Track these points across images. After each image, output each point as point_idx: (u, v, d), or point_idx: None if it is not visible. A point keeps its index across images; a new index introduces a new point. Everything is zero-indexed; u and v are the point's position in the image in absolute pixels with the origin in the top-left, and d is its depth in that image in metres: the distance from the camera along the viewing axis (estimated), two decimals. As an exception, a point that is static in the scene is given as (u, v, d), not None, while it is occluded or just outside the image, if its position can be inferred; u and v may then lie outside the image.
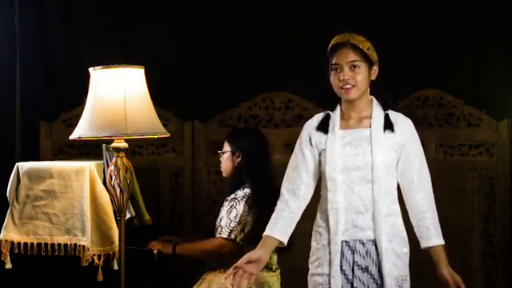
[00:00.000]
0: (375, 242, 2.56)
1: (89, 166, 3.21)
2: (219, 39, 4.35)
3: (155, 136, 3.02)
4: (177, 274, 4.01)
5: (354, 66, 2.56)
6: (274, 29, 4.34)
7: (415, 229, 2.61)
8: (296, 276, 3.48)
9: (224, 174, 3.34)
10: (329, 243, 2.59)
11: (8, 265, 3.22)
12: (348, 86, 2.55)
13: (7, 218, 3.26)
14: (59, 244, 3.19)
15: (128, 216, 3.29)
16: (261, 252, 2.57)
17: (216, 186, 4.23)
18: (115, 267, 3.16)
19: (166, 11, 4.45)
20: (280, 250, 3.15)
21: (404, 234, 2.62)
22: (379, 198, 2.54)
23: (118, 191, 3.03)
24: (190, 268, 3.97)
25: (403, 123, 2.62)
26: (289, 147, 4.13)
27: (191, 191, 4.29)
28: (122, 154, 3.00)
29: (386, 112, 2.61)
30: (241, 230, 3.11)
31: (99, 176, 3.23)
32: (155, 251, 3.23)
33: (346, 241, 2.58)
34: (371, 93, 2.66)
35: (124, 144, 2.99)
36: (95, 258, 3.15)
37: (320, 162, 2.64)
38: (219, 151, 3.34)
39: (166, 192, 4.31)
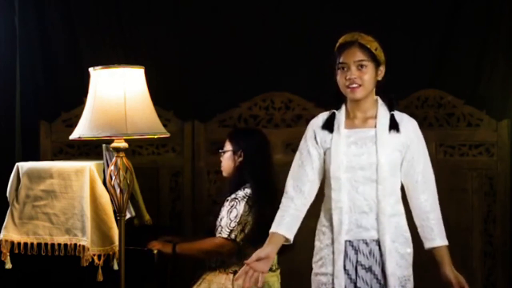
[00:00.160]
0: (378, 242, 2.56)
1: (89, 166, 3.21)
2: (219, 39, 4.35)
3: (155, 136, 3.02)
4: (177, 274, 4.01)
5: (361, 66, 2.56)
6: (274, 29, 4.34)
7: (419, 230, 2.61)
8: (296, 276, 3.49)
9: (224, 174, 3.33)
10: (332, 243, 2.58)
11: (8, 265, 3.22)
12: (354, 85, 2.55)
13: (7, 218, 3.26)
14: (59, 244, 3.19)
15: (128, 216, 3.29)
16: (269, 249, 2.55)
17: (216, 186, 4.23)
18: (115, 267, 3.16)
19: (166, 11, 4.45)
20: (280, 250, 3.15)
21: (407, 234, 2.62)
22: (383, 198, 2.54)
23: (118, 191, 3.03)
24: (190, 268, 3.97)
25: (408, 124, 2.62)
26: (289, 147, 4.13)
27: (191, 191, 4.28)
28: (122, 154, 3.00)
29: (392, 112, 2.61)
30: (241, 230, 3.11)
31: (99, 176, 3.23)
32: (155, 251, 3.23)
33: (349, 241, 2.58)
34: (376, 93, 2.66)
35: (124, 144, 2.99)
36: (95, 258, 3.15)
37: (324, 161, 2.64)
38: (220, 150, 3.34)
39: (166, 192, 4.31)
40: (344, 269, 2.56)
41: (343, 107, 2.66)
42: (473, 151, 4.18)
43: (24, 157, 4.28)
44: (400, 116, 2.62)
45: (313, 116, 2.78)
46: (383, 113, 2.61)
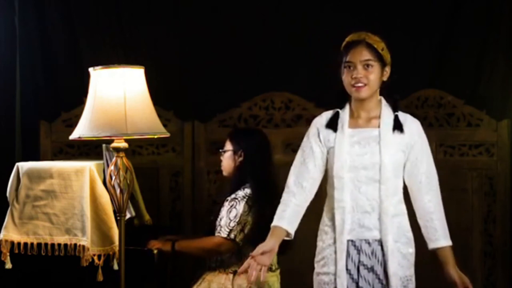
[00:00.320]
0: (381, 242, 2.56)
1: (89, 166, 3.21)
2: (219, 39, 4.35)
3: (155, 136, 3.02)
4: (177, 274, 4.01)
5: (368, 65, 2.56)
6: (274, 29, 4.34)
7: (423, 230, 2.61)
8: (296, 276, 3.49)
9: (224, 173, 3.34)
10: (334, 242, 2.59)
11: (8, 265, 3.22)
12: (360, 84, 2.56)
13: (7, 218, 3.26)
14: (59, 244, 3.18)
15: (128, 216, 3.29)
16: (273, 243, 2.55)
17: (216, 186, 4.23)
18: (115, 267, 3.16)
19: (166, 11, 4.45)
20: (280, 249, 3.15)
21: (410, 234, 2.62)
22: (386, 198, 2.54)
23: (118, 191, 3.03)
24: (190, 268, 3.98)
25: (412, 124, 2.63)
26: (289, 147, 4.13)
27: (191, 191, 4.28)
28: (122, 154, 3.00)
29: (396, 113, 2.61)
30: (240, 230, 3.11)
31: (99, 176, 3.23)
32: (155, 251, 3.23)
33: (352, 241, 2.58)
34: (380, 94, 2.66)
35: (124, 144, 2.99)
36: (95, 258, 3.15)
37: (327, 160, 2.64)
38: (220, 150, 3.34)
39: (166, 192, 4.31)
40: (346, 269, 2.57)
41: (347, 106, 2.66)
42: (473, 151, 4.18)
43: (24, 157, 4.28)
44: (404, 117, 2.63)
45: (313, 116, 2.79)
46: (387, 113, 2.61)
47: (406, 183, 2.63)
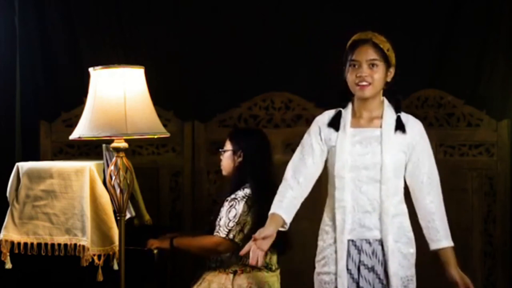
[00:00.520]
0: (381, 242, 2.56)
1: (89, 166, 3.21)
2: (219, 39, 4.35)
3: (155, 136, 3.02)
4: (177, 274, 4.01)
5: (373, 65, 2.56)
6: (274, 29, 4.34)
7: (424, 231, 2.61)
8: (296, 276, 3.49)
9: (224, 173, 3.34)
10: (335, 242, 2.59)
11: (8, 265, 3.22)
12: (364, 83, 2.56)
13: (7, 218, 3.26)
14: (59, 244, 3.18)
15: (128, 216, 3.29)
16: (273, 228, 2.55)
17: (216, 186, 4.23)
18: (115, 267, 3.16)
19: (166, 11, 4.45)
20: (280, 249, 3.15)
21: (410, 234, 2.62)
22: (387, 198, 2.55)
23: (118, 191, 3.03)
24: (190, 268, 3.98)
25: (413, 125, 2.63)
26: (289, 147, 4.13)
27: (191, 191, 4.28)
28: (122, 154, 3.00)
29: (398, 114, 2.62)
30: (240, 230, 3.11)
31: (99, 176, 3.23)
32: (155, 251, 3.23)
33: (352, 240, 2.58)
34: (383, 94, 2.66)
35: (124, 144, 2.99)
36: (95, 258, 3.15)
37: (327, 159, 2.64)
38: (220, 149, 3.34)
39: (166, 192, 4.31)
40: (347, 268, 2.57)
41: (350, 106, 2.66)
42: (473, 151, 4.18)
43: (24, 157, 4.28)
44: (406, 118, 2.63)
45: (313, 116, 2.79)
46: (389, 114, 2.61)
47: (408, 183, 2.63)
